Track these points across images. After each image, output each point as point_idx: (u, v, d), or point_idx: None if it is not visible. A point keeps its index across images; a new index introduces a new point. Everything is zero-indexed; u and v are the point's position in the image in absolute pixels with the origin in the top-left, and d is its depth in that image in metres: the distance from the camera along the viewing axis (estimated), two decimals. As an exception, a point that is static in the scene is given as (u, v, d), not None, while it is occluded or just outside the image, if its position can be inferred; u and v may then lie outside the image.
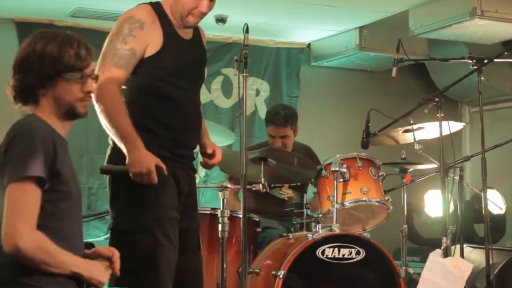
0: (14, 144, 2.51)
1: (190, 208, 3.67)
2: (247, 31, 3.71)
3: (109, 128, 3.36)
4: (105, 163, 3.60)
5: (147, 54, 3.47)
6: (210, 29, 6.80)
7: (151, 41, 3.47)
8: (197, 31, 3.75)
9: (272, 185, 5.05)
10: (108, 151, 3.69)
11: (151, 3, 3.59)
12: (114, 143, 3.45)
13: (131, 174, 3.31)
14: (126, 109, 3.38)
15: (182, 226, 3.56)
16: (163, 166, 3.35)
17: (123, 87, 3.49)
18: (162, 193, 3.44)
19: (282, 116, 5.49)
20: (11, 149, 2.51)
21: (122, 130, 3.34)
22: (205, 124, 3.91)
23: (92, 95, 3.40)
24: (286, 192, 5.44)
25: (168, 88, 3.52)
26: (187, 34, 3.65)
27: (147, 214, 3.42)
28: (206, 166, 3.83)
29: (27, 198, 2.47)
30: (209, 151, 3.75)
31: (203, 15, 3.58)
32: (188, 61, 3.60)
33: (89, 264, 2.62)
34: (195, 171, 3.77)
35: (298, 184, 5.27)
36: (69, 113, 2.68)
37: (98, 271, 2.63)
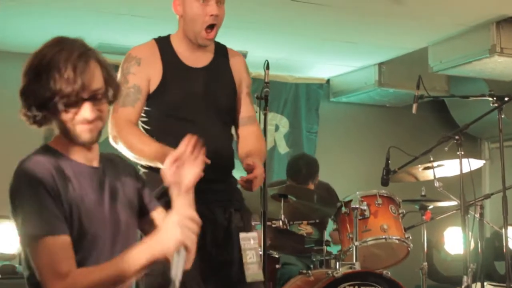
0: (16, 198, 2.25)
1: (222, 240, 3.45)
2: (267, 67, 3.70)
3: (139, 158, 3.32)
4: None
5: (151, 89, 3.43)
6: (230, 65, 6.86)
7: (151, 75, 3.42)
8: (222, 56, 3.62)
9: (291, 222, 5.03)
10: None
11: (157, 38, 3.56)
12: (143, 167, 3.42)
13: None
14: (143, 132, 3.36)
15: (212, 262, 3.40)
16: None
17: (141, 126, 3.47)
18: None
19: (304, 175, 5.54)
20: (14, 205, 2.25)
21: (149, 152, 3.28)
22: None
23: (110, 140, 3.39)
24: (305, 228, 5.44)
25: (176, 122, 3.42)
26: (200, 62, 3.53)
27: None
28: (245, 186, 3.46)
29: (48, 254, 2.19)
30: (249, 161, 3.44)
31: (215, 20, 3.43)
32: (197, 90, 3.47)
33: (149, 244, 2.28)
34: (229, 203, 3.54)
35: (317, 220, 5.26)
36: (74, 140, 2.36)
37: (168, 238, 2.28)
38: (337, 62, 7.28)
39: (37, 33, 5.67)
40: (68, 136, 2.34)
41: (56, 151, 2.37)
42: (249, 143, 3.60)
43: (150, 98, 3.43)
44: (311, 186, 5.55)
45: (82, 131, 2.33)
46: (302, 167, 5.57)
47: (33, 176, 2.23)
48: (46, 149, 2.37)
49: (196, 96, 3.46)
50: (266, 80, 3.67)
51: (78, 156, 2.40)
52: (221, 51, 3.62)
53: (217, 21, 3.44)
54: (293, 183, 5.50)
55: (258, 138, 3.64)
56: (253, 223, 4.12)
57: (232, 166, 3.61)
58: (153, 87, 3.42)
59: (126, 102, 3.38)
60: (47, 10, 5.64)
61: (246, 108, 3.65)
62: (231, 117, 3.61)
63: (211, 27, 3.43)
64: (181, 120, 3.42)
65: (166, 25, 3.59)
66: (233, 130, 3.68)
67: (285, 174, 5.82)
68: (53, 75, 2.25)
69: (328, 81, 7.92)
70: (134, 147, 3.32)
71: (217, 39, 3.57)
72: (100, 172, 2.46)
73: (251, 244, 3.44)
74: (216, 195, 3.45)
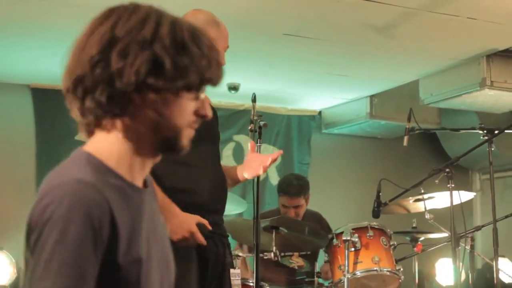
0: (42, 233, 1.49)
1: (219, 275, 3.44)
2: (254, 100, 3.72)
3: None
4: None
5: None
6: (222, 97, 6.92)
7: None
8: None
9: (283, 254, 5.04)
10: None
11: None
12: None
13: (175, 243, 3.11)
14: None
15: None
16: (205, 221, 3.21)
17: None
18: (187, 267, 3.26)
19: (295, 186, 5.54)
20: (35, 241, 1.50)
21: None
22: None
23: None
24: (296, 261, 5.43)
25: (187, 153, 3.41)
26: None
27: None
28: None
29: None
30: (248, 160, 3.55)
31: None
32: (207, 123, 3.46)
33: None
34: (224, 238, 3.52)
35: (309, 252, 5.26)
36: (167, 144, 1.70)
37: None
38: (329, 94, 7.33)
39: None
40: (158, 138, 1.66)
41: (111, 171, 1.62)
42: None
43: None
44: (303, 204, 5.56)
45: (188, 136, 1.77)
46: (293, 180, 5.61)
47: (85, 209, 1.49)
48: (95, 165, 1.60)
49: (207, 129, 3.35)
50: (253, 113, 3.67)
51: (136, 174, 1.69)
52: None
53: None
54: (285, 199, 5.52)
55: None
56: (245, 255, 4.13)
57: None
58: None
59: None
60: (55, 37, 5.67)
61: None
62: None
63: None
64: (193, 152, 3.37)
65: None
66: (228, 164, 3.71)
67: (277, 204, 5.82)
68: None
69: (320, 112, 7.97)
70: None
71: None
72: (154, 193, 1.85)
73: (236, 280, 3.49)
74: (218, 228, 3.45)
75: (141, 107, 1.59)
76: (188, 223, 3.18)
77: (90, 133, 1.66)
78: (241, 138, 7.36)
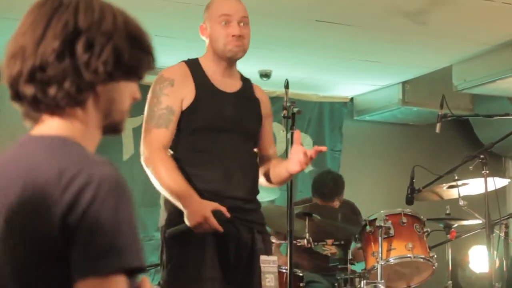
0: (103, 204, 1.52)
1: (246, 259, 3.47)
2: (287, 86, 3.71)
3: (162, 189, 3.35)
4: (161, 225, 3.54)
5: (183, 108, 3.47)
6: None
7: (184, 95, 3.47)
8: (249, 86, 3.70)
9: (316, 243, 5.02)
10: (163, 214, 3.55)
11: (187, 60, 3.61)
12: (166, 203, 3.47)
13: (192, 229, 3.26)
14: (175, 165, 3.39)
15: (235, 281, 3.43)
16: (222, 208, 3.27)
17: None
18: (200, 251, 3.36)
19: (330, 189, 5.50)
20: (97, 212, 1.51)
21: (174, 189, 3.32)
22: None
23: (142, 160, 3.44)
24: (329, 248, 5.43)
25: (203, 141, 3.48)
26: (229, 87, 3.59)
27: (182, 275, 3.37)
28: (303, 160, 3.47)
29: None
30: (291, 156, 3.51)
31: (239, 39, 3.49)
32: (227, 113, 3.53)
33: None
34: (253, 224, 3.54)
35: (342, 242, 5.24)
36: (114, 127, 1.78)
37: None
38: (361, 81, 7.31)
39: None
40: (108, 121, 1.77)
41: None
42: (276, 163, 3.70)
43: (181, 117, 3.47)
44: (337, 203, 5.55)
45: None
46: (328, 183, 5.57)
47: (127, 188, 1.63)
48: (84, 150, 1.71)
49: (227, 119, 3.52)
50: (286, 99, 3.67)
51: None
52: (247, 83, 3.72)
53: (241, 41, 3.50)
54: (318, 200, 5.50)
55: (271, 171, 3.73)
56: (278, 242, 4.14)
57: (257, 189, 3.65)
58: (185, 106, 3.46)
59: (160, 123, 3.42)
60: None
61: (271, 146, 3.79)
62: (256, 144, 3.70)
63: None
64: (211, 140, 3.49)
65: (193, 45, 3.63)
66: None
67: (309, 193, 5.82)
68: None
69: (351, 99, 7.94)
70: (161, 179, 3.35)
71: (242, 59, 3.61)
72: None
73: (270, 267, 3.46)
74: (242, 214, 3.49)
75: (99, 95, 1.68)
76: (202, 209, 3.25)
77: (37, 120, 1.70)
78: (273, 125, 7.33)
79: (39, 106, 1.65)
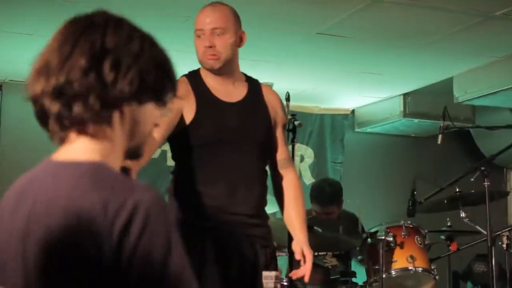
0: (153, 233, 1.52)
1: (249, 276, 3.42)
2: (288, 99, 3.70)
3: None
4: None
5: (186, 122, 3.41)
6: (255, 96, 6.91)
7: (185, 111, 3.40)
8: (256, 90, 3.60)
9: (316, 254, 5.02)
10: None
11: (187, 73, 3.54)
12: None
13: None
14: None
15: None
16: None
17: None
18: (199, 266, 3.29)
19: (327, 194, 5.52)
20: (149, 242, 1.51)
21: None
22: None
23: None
24: (330, 261, 5.42)
25: (207, 156, 3.41)
26: (233, 96, 3.51)
27: None
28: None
29: None
30: (297, 257, 3.52)
31: (211, 50, 3.41)
32: (231, 125, 3.45)
33: None
34: (257, 239, 3.48)
35: (342, 252, 5.24)
36: (135, 151, 1.78)
37: None
38: (362, 93, 7.31)
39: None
40: (130, 149, 1.79)
41: None
42: (291, 201, 3.64)
43: (184, 133, 3.41)
44: (336, 210, 5.55)
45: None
46: (326, 187, 5.58)
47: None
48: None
49: (230, 131, 3.44)
50: (286, 112, 3.66)
51: None
52: (254, 87, 3.61)
53: (213, 51, 3.42)
54: (317, 208, 5.50)
55: (297, 190, 3.68)
56: (280, 254, 4.12)
57: (264, 202, 3.56)
58: (187, 121, 3.40)
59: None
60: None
61: (282, 149, 3.64)
62: (266, 152, 3.58)
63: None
64: (214, 154, 3.42)
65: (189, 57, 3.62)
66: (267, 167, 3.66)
67: (309, 204, 5.81)
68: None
69: (353, 111, 7.95)
70: None
71: (244, 71, 3.59)
72: None
73: (271, 282, 3.41)
74: (245, 230, 3.44)
75: (124, 115, 1.67)
76: None
77: (64, 140, 1.69)
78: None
79: (64, 123, 1.65)
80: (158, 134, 3.32)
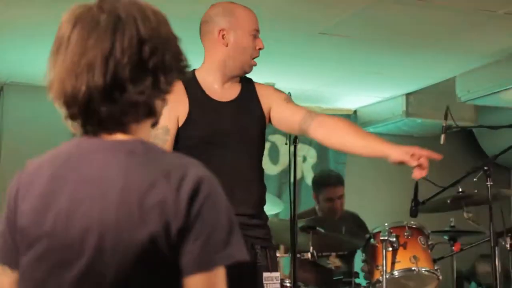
0: (211, 199, 1.62)
1: (248, 278, 3.30)
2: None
3: None
4: None
5: (179, 125, 3.36)
6: (257, 97, 6.91)
7: (179, 112, 3.35)
8: (249, 88, 3.55)
9: (320, 254, 5.01)
10: None
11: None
12: None
13: None
14: None
15: None
16: None
17: None
18: None
19: (334, 175, 5.62)
20: (211, 210, 1.61)
21: None
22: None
23: None
24: (333, 262, 5.41)
25: (202, 157, 3.32)
26: (227, 95, 3.47)
27: None
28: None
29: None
30: (406, 158, 3.40)
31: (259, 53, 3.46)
32: (224, 125, 3.40)
33: None
34: (256, 240, 3.42)
35: (345, 253, 5.24)
36: None
37: None
38: (364, 93, 7.30)
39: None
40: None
41: None
42: (347, 133, 3.48)
43: (178, 134, 3.37)
44: (344, 191, 5.62)
45: None
46: (329, 171, 5.71)
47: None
48: None
49: (224, 130, 3.40)
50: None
51: None
52: (248, 85, 3.57)
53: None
54: (326, 192, 5.56)
55: (338, 120, 3.55)
56: (280, 255, 4.12)
57: (263, 202, 3.52)
58: (180, 123, 3.36)
59: (156, 144, 3.34)
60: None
61: (297, 111, 3.51)
62: (261, 151, 3.56)
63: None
64: (209, 155, 3.30)
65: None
66: (264, 164, 3.62)
67: (312, 204, 5.81)
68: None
69: (355, 111, 7.94)
70: None
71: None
72: None
73: (273, 284, 3.39)
74: (246, 231, 3.29)
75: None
76: None
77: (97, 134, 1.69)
78: (276, 138, 7.34)
79: (109, 125, 1.66)
80: (167, 144, 3.31)
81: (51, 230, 1.60)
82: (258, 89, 3.57)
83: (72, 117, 1.66)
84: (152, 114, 1.73)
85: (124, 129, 1.68)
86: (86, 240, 1.56)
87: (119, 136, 1.68)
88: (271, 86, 3.67)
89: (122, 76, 1.61)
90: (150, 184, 1.57)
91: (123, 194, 1.57)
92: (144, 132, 1.73)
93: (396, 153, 3.34)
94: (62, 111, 1.67)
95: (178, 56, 1.72)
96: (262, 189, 3.52)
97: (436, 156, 3.39)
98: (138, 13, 1.67)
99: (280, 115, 3.54)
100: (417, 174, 3.39)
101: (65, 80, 1.63)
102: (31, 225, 1.63)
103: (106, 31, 1.63)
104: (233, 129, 3.42)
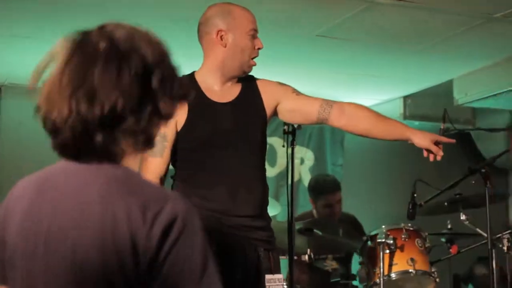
0: (184, 235, 1.59)
1: (252, 280, 3.37)
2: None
3: None
4: None
5: (178, 129, 3.36)
6: (255, 99, 6.91)
7: (177, 117, 3.16)
8: (251, 86, 3.53)
9: (317, 256, 5.02)
10: None
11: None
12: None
13: None
14: None
15: None
16: None
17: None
18: None
19: (331, 181, 5.62)
20: (180, 244, 1.57)
21: None
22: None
23: None
24: (330, 264, 5.42)
25: (203, 159, 3.36)
26: (227, 96, 3.45)
27: None
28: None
29: None
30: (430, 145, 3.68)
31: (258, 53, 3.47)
32: (224, 126, 3.39)
33: None
34: (259, 242, 3.42)
35: (343, 255, 5.24)
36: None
37: None
38: (362, 96, 7.30)
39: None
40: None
41: None
42: (369, 120, 3.65)
43: (178, 137, 3.36)
44: (339, 196, 5.60)
45: None
46: (325, 177, 5.68)
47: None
48: None
49: (224, 132, 3.38)
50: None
51: None
52: (249, 83, 3.54)
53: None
54: (324, 199, 5.53)
55: (358, 107, 3.68)
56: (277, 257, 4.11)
57: (265, 202, 3.48)
58: (179, 127, 3.35)
59: (155, 152, 3.29)
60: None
61: (312, 102, 3.55)
62: (263, 150, 3.53)
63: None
64: (210, 156, 3.36)
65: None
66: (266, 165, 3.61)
67: (310, 206, 5.81)
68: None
69: (353, 114, 7.93)
70: None
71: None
72: None
73: (276, 286, 3.38)
74: (248, 232, 3.38)
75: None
76: None
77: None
78: (274, 140, 7.33)
79: (101, 153, 1.62)
80: (165, 151, 3.33)
81: (30, 253, 1.61)
82: (261, 86, 3.55)
83: (62, 146, 1.64)
84: (149, 143, 1.69)
85: (113, 157, 1.64)
86: (61, 265, 1.57)
87: (106, 163, 1.64)
88: (272, 81, 3.61)
89: (123, 106, 1.58)
90: (126, 214, 1.55)
91: (101, 220, 1.56)
92: (133, 160, 1.69)
93: (421, 140, 3.71)
94: (50, 139, 1.64)
95: (180, 84, 1.71)
96: (264, 189, 3.49)
97: (451, 141, 3.80)
98: (142, 42, 1.65)
99: (294, 107, 3.54)
100: (432, 156, 3.80)
101: (57, 105, 1.60)
102: (15, 246, 1.64)
103: (108, 60, 1.60)
104: (233, 130, 3.40)
